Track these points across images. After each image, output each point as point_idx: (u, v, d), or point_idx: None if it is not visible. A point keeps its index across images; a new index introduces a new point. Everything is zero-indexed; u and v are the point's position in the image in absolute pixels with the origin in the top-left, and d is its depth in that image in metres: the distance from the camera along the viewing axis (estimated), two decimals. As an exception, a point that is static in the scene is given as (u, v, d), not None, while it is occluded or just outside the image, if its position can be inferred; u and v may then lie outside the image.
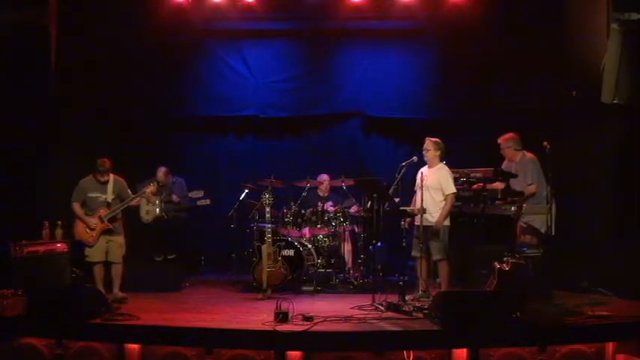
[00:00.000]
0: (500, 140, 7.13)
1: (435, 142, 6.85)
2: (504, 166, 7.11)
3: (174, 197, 8.51)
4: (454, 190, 6.69)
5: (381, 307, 6.23)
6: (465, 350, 5.28)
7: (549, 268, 6.36)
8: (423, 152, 6.86)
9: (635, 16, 6.53)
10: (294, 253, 7.69)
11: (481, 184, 6.77)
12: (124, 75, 8.62)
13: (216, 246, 8.85)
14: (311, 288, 7.54)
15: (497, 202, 6.78)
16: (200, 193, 8.40)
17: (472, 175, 6.88)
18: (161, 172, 8.49)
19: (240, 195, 8.29)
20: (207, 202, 8.43)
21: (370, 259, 7.81)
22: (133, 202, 7.12)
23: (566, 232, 6.85)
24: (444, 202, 6.68)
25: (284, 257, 7.46)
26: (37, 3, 7.96)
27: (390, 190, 6.76)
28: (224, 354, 5.33)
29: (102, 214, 6.86)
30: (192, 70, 9.36)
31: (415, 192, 6.90)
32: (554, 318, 5.61)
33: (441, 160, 6.86)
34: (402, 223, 6.83)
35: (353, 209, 8.23)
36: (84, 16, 8.36)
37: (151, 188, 7.24)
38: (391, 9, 8.88)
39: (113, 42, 8.51)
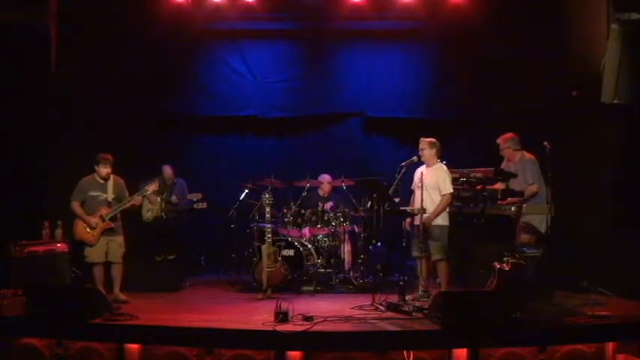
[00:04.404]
0: (499, 140, 7.13)
1: (430, 142, 6.85)
2: (503, 166, 7.10)
3: (173, 198, 8.51)
4: (451, 190, 6.67)
5: (381, 307, 6.22)
6: (464, 350, 5.27)
7: (549, 268, 6.36)
8: (419, 153, 6.85)
9: (635, 16, 6.53)
10: (294, 253, 7.69)
11: (481, 185, 6.76)
12: (124, 75, 8.61)
13: (216, 246, 8.85)
14: (311, 288, 7.54)
15: (497, 202, 6.78)
16: (198, 196, 8.42)
17: (472, 175, 6.86)
18: (167, 169, 8.55)
19: (240, 195, 8.29)
20: (204, 205, 8.43)
21: (370, 259, 7.81)
22: (135, 202, 7.12)
23: (566, 232, 6.85)
24: (443, 202, 6.69)
25: (284, 257, 7.47)
26: (37, 3, 7.96)
27: (390, 190, 6.76)
28: (224, 354, 5.32)
29: (103, 213, 6.86)
30: (192, 71, 9.35)
31: (413, 191, 6.91)
32: (554, 318, 5.61)
33: (439, 159, 6.87)
34: (404, 224, 6.84)
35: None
36: (84, 16, 8.37)
37: (152, 187, 7.21)
38: (391, 9, 8.88)
39: (113, 42, 8.51)
